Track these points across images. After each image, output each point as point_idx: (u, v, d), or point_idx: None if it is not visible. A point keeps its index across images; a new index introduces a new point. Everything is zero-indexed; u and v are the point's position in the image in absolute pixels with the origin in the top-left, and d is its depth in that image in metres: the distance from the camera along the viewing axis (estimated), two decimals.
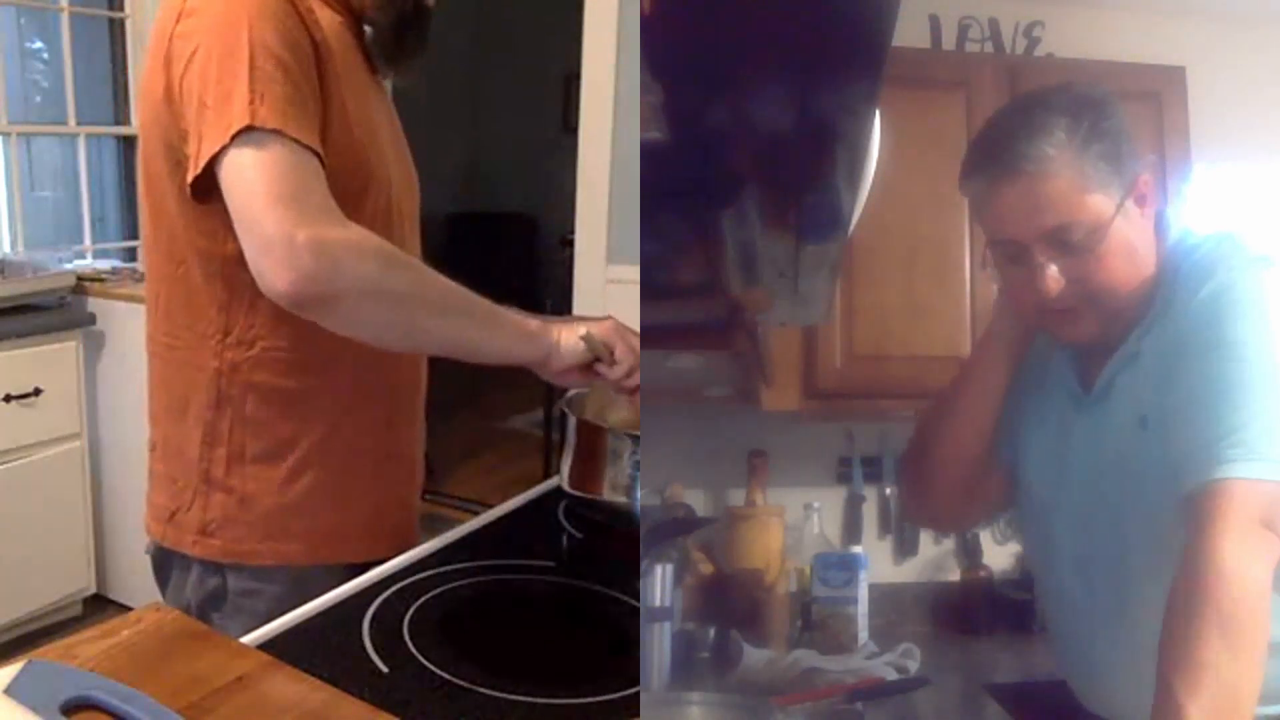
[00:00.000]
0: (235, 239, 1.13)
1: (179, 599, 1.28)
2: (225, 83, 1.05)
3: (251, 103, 1.03)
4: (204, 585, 1.25)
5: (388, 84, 1.39)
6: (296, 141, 1.05)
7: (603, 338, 1.21)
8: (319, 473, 1.25)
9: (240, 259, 1.13)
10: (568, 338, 1.21)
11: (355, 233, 1.07)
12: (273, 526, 1.23)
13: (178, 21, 1.11)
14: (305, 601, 1.19)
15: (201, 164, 1.05)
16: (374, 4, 1.26)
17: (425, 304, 1.13)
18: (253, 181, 1.04)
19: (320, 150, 1.09)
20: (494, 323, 1.18)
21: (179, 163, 1.12)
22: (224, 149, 1.03)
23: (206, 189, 1.08)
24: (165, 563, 1.30)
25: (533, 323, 1.20)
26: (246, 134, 1.03)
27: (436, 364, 1.45)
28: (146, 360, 1.30)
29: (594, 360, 1.22)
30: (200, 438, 1.23)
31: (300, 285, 1.02)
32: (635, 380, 1.23)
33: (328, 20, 1.19)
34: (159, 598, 1.31)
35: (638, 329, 1.25)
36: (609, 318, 1.25)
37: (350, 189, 1.16)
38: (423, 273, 1.14)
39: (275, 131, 1.04)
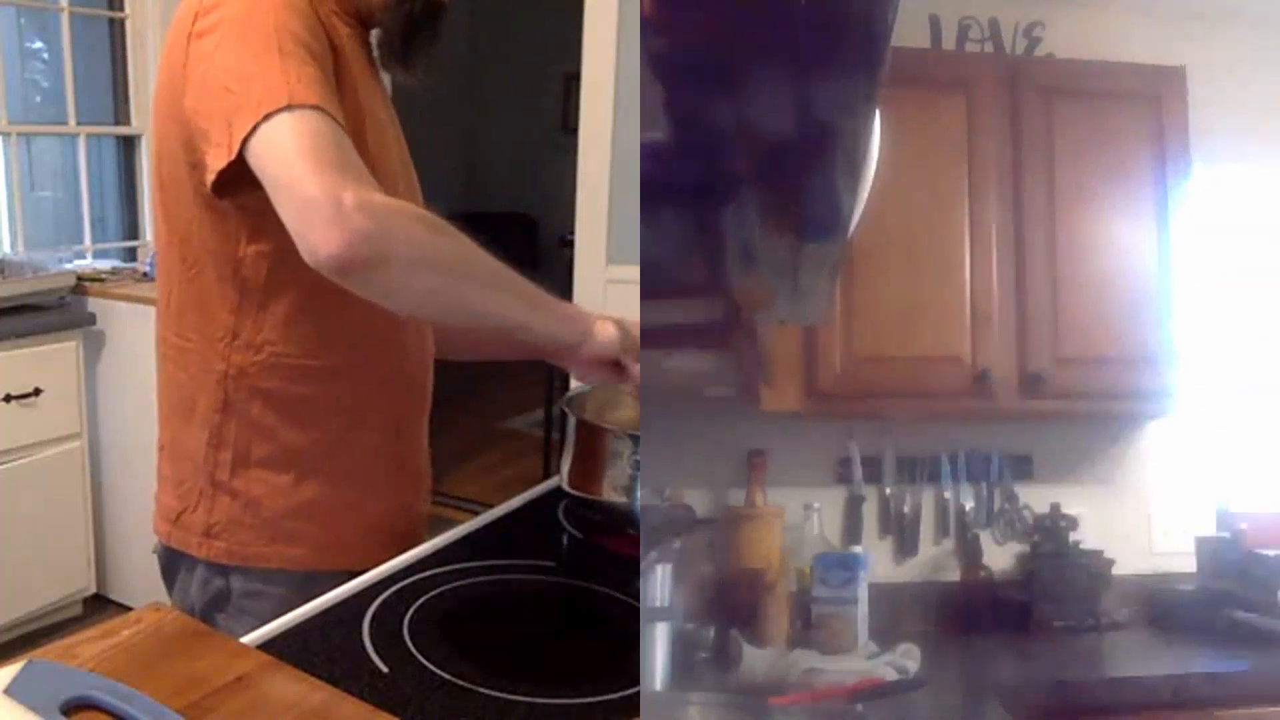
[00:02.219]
0: (250, 242, 1.14)
1: (184, 599, 1.28)
2: (254, 66, 1.02)
3: (288, 83, 1.01)
4: (209, 586, 1.25)
5: (388, 82, 1.39)
6: (335, 120, 1.03)
7: (636, 334, 1.20)
8: (325, 479, 1.25)
9: (254, 262, 1.15)
10: (603, 328, 1.20)
11: (399, 200, 1.05)
12: (278, 530, 1.23)
13: (195, 20, 1.09)
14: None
15: (236, 145, 1.01)
16: (381, 5, 1.25)
17: (473, 275, 1.10)
18: (292, 149, 1.00)
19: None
20: (538, 301, 1.17)
21: (196, 163, 1.11)
22: (256, 127, 1.00)
23: (230, 182, 1.06)
24: (172, 563, 1.30)
25: (572, 306, 1.21)
26: (283, 110, 1.00)
27: (437, 364, 1.45)
28: (156, 361, 1.29)
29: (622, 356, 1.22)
30: (206, 440, 1.23)
31: (350, 248, 0.97)
32: None
33: (337, 27, 1.20)
34: (159, 598, 1.31)
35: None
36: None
37: None
38: (470, 244, 1.10)
39: (315, 107, 1.01)
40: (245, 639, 1.02)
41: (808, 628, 1.78)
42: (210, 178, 1.07)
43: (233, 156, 1.02)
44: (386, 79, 1.38)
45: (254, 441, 1.22)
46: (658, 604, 1.37)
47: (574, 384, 1.40)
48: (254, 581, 1.24)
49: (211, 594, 1.25)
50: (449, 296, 1.10)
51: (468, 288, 1.10)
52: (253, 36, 1.04)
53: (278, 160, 1.00)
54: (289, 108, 1.00)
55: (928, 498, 2.10)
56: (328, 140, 1.01)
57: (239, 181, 1.05)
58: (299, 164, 0.99)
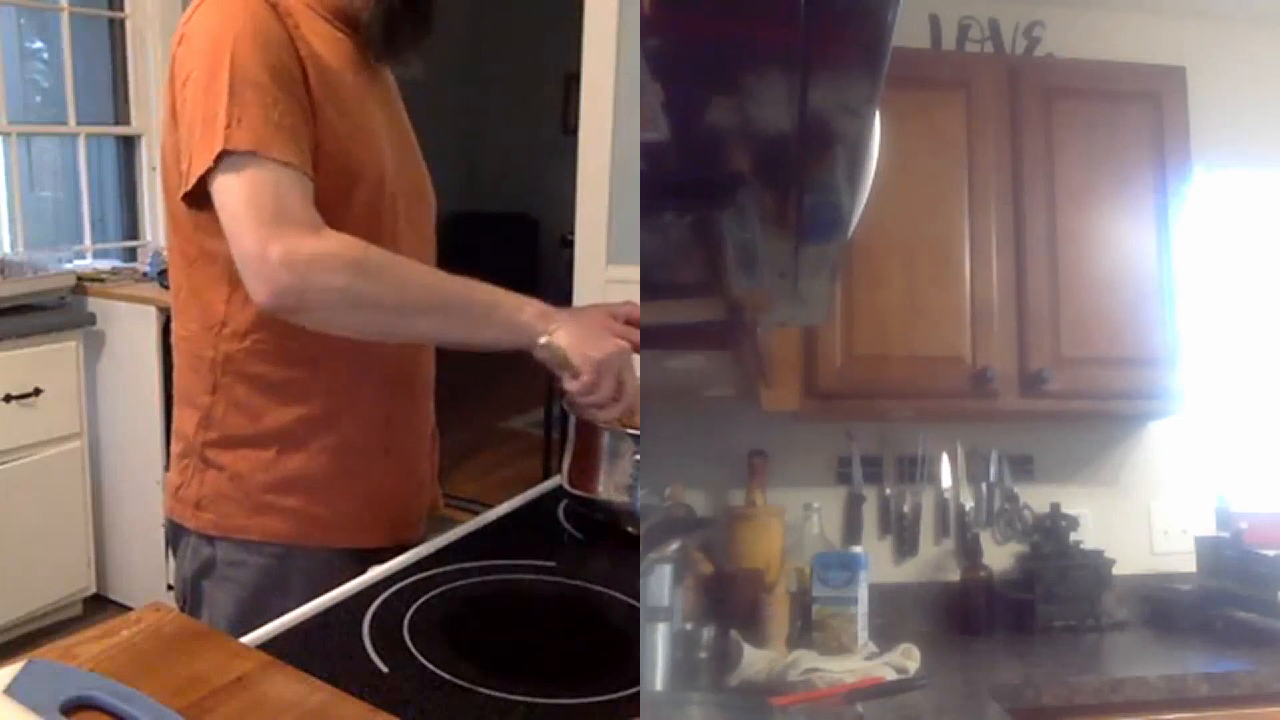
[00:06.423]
0: None
1: (181, 568, 1.36)
2: (208, 107, 1.13)
3: (228, 127, 1.12)
4: (198, 555, 1.33)
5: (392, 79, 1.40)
6: (274, 160, 1.12)
7: (579, 360, 1.18)
8: (307, 456, 1.30)
9: None
10: (540, 347, 1.20)
11: (331, 243, 1.14)
12: (259, 504, 1.29)
13: (179, 44, 1.20)
14: (289, 576, 1.27)
15: (192, 181, 1.15)
16: (363, 4, 1.29)
17: (400, 307, 1.18)
18: (233, 202, 1.13)
19: (301, 163, 1.15)
20: (478, 317, 1.20)
21: (182, 169, 1.20)
22: (210, 171, 1.13)
23: (199, 198, 1.17)
24: (174, 535, 1.37)
25: (529, 310, 1.20)
26: (227, 157, 1.12)
27: (437, 363, 1.46)
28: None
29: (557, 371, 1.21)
30: (198, 421, 1.31)
31: (274, 298, 1.11)
32: (591, 400, 1.20)
33: (320, 34, 1.24)
34: (159, 598, 1.32)
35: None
36: (612, 337, 1.22)
37: (334, 191, 1.21)
38: (401, 275, 1.19)
39: (251, 153, 1.12)
40: (245, 639, 1.02)
41: (808, 628, 1.78)
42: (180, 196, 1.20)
43: (188, 188, 1.16)
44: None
45: (240, 421, 1.29)
46: (658, 604, 1.37)
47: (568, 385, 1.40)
48: (237, 552, 1.30)
49: (200, 562, 1.32)
50: (380, 328, 1.21)
51: (397, 319, 1.20)
52: (210, 76, 1.14)
53: (223, 212, 1.14)
54: (227, 154, 1.11)
55: (928, 498, 2.10)
56: (262, 190, 1.12)
57: (205, 196, 1.16)
58: (236, 220, 1.12)
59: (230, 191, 1.13)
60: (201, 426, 1.30)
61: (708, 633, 1.66)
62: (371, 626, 1.09)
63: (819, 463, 2.07)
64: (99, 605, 3.18)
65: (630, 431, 1.37)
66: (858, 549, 2.01)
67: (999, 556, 2.07)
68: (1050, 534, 2.03)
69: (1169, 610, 2.00)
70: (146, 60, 3.49)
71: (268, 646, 1.00)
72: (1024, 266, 1.90)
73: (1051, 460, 2.12)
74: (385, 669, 1.00)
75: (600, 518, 1.42)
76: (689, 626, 1.64)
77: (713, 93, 0.57)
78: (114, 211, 3.69)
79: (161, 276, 3.05)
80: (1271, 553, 1.89)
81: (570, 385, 1.20)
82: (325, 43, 1.24)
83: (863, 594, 1.77)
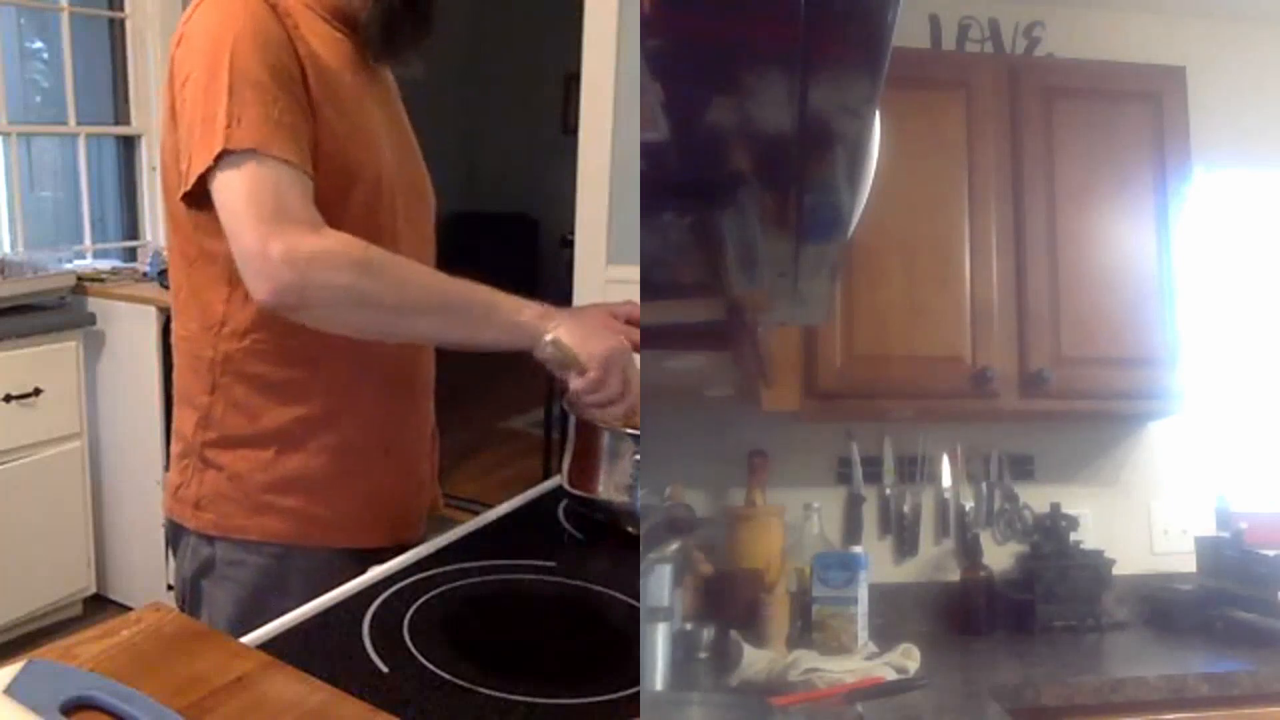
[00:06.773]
0: None
1: (181, 567, 1.37)
2: (208, 107, 1.14)
3: (229, 126, 1.12)
4: (198, 555, 1.33)
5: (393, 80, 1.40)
6: (274, 158, 1.12)
7: (585, 357, 1.18)
8: (306, 456, 1.30)
9: None
10: (542, 348, 1.20)
11: (331, 241, 1.13)
12: (258, 503, 1.30)
13: (178, 45, 1.20)
14: (289, 575, 1.28)
15: (191, 180, 1.15)
16: (361, 5, 1.29)
17: (401, 307, 1.18)
18: (233, 199, 1.13)
19: (301, 161, 1.15)
20: (478, 318, 1.20)
21: (182, 171, 1.20)
22: (210, 170, 1.13)
23: (199, 198, 1.17)
24: (174, 535, 1.38)
25: (528, 311, 1.20)
26: (227, 156, 1.12)
27: (437, 363, 1.46)
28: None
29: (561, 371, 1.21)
30: (196, 421, 1.31)
31: (275, 295, 1.11)
32: (598, 397, 1.20)
33: (319, 34, 1.25)
34: (159, 598, 1.32)
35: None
36: (613, 333, 1.22)
37: (332, 191, 1.21)
38: (402, 275, 1.19)
39: (251, 151, 1.12)
40: (245, 639, 1.02)
41: (808, 628, 1.78)
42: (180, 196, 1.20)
43: (188, 188, 1.16)
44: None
45: (239, 421, 1.29)
46: (658, 604, 1.37)
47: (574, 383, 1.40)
48: (237, 551, 1.31)
49: (199, 562, 1.33)
50: (380, 327, 1.21)
51: (397, 319, 1.19)
52: (209, 76, 1.14)
53: (223, 209, 1.14)
54: (226, 153, 1.12)
55: (928, 498, 2.10)
56: (262, 188, 1.12)
57: (204, 196, 1.17)
58: (237, 217, 1.12)
59: (230, 189, 1.13)
60: (200, 426, 1.31)
61: (708, 633, 1.66)
62: (371, 626, 1.09)
63: (819, 463, 2.07)
64: (99, 605, 3.18)
65: (630, 431, 1.37)
66: (858, 549, 2.01)
67: (999, 556, 2.07)
68: (1050, 534, 2.03)
69: (1169, 610, 2.00)
70: (146, 60, 3.49)
71: (268, 646, 1.00)
72: (1024, 266, 1.90)
73: (1051, 460, 2.12)
74: (385, 669, 1.00)
75: (600, 518, 1.42)
76: (689, 626, 1.64)
77: (713, 93, 0.57)
78: (114, 211, 3.69)
79: (161, 276, 3.05)
80: (1271, 553, 1.89)
81: (576, 383, 1.20)
82: (324, 43, 1.24)
83: (863, 594, 1.77)
